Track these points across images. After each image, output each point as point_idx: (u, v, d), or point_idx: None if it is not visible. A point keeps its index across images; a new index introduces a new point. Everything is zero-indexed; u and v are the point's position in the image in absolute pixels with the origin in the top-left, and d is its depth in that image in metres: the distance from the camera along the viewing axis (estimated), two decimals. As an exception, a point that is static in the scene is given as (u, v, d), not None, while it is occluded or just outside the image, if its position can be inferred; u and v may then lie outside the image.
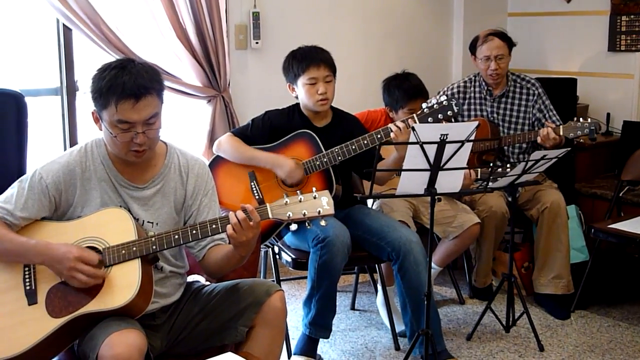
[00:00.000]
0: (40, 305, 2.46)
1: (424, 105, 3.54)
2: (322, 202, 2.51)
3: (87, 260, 2.46)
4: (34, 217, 2.58)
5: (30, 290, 2.49)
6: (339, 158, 3.54)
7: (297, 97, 3.71)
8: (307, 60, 3.60)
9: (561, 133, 3.97)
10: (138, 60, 2.64)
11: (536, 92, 4.45)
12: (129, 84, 2.47)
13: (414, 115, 3.53)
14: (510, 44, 4.41)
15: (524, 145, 4.46)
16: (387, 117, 4.16)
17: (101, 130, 2.61)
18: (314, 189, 2.56)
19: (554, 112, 4.41)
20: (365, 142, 3.53)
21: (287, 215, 2.51)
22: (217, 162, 3.72)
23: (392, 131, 3.47)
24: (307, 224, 2.54)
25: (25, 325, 2.44)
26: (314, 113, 3.69)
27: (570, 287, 4.31)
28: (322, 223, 2.56)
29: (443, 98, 3.51)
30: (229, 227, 2.49)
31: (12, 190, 2.59)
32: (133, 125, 2.50)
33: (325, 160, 3.54)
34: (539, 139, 4.01)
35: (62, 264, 2.44)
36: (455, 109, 3.49)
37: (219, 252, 2.69)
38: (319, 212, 2.50)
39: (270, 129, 3.67)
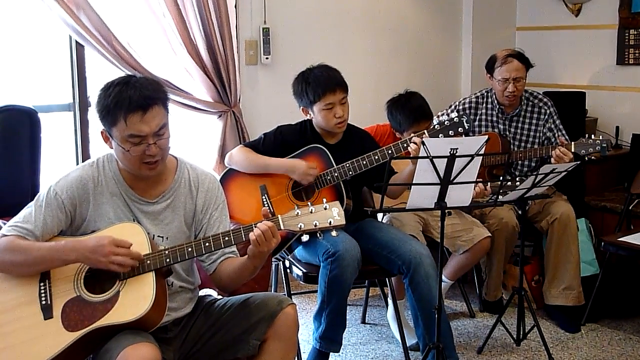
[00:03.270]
0: (56, 320, 2.48)
1: (435, 121, 3.54)
2: (333, 213, 2.53)
3: (121, 243, 2.49)
4: (53, 233, 2.61)
5: (46, 305, 2.51)
6: (350, 173, 3.56)
7: (309, 119, 3.72)
8: (322, 86, 3.58)
9: (572, 150, 3.97)
10: (139, 75, 2.67)
11: (548, 111, 4.45)
12: (134, 97, 2.51)
13: (425, 131, 3.54)
14: (528, 65, 4.39)
15: (533, 164, 4.46)
16: (395, 133, 4.17)
17: (112, 148, 2.64)
18: (324, 200, 2.59)
19: (564, 132, 4.40)
20: (377, 157, 3.55)
21: (299, 226, 2.53)
22: (228, 176, 3.75)
23: (411, 148, 3.46)
24: (318, 235, 2.56)
25: (42, 340, 2.46)
26: (327, 131, 3.70)
27: (581, 299, 4.31)
28: (334, 233, 2.57)
29: (454, 115, 3.51)
30: (251, 235, 2.51)
31: (30, 209, 2.62)
32: (144, 137, 2.53)
33: (336, 175, 3.56)
34: (552, 160, 3.98)
35: (97, 252, 2.46)
36: (466, 125, 3.49)
37: (230, 264, 2.71)
38: (330, 222, 2.52)
39: (282, 144, 3.69)
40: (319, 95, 3.58)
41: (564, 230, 4.25)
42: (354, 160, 3.55)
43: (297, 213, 2.55)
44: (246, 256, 2.61)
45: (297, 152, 3.67)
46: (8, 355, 2.46)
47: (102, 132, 2.64)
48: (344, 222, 2.54)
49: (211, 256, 2.73)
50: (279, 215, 2.56)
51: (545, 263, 4.38)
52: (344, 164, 3.56)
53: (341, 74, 3.68)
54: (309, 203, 2.58)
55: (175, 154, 2.78)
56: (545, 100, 4.49)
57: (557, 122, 4.44)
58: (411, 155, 3.46)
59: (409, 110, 3.99)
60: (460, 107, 4.57)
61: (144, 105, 2.51)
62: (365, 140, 3.80)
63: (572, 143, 3.99)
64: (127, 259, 2.47)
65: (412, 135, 3.58)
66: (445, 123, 3.51)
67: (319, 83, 3.60)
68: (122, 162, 2.64)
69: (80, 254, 2.50)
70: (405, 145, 3.53)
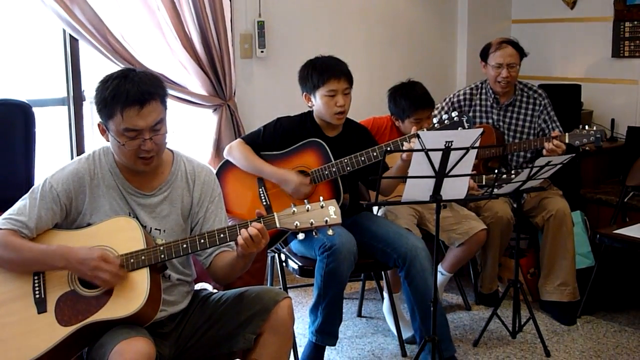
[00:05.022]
0: (50, 314, 2.49)
1: (435, 119, 3.54)
2: (330, 212, 2.53)
3: (109, 260, 2.49)
4: (47, 226, 2.61)
5: (40, 299, 2.52)
6: (348, 168, 3.55)
7: (310, 107, 3.72)
8: (328, 72, 3.60)
9: (567, 141, 3.98)
10: (139, 68, 2.67)
11: (542, 102, 4.46)
12: (132, 91, 2.51)
13: (425, 129, 3.54)
14: (522, 53, 4.41)
15: (528, 155, 4.47)
16: (393, 125, 4.17)
17: (108, 141, 2.64)
18: (321, 198, 2.58)
19: (558, 123, 4.41)
20: (375, 154, 3.54)
21: (295, 224, 2.52)
22: (226, 168, 3.74)
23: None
24: (314, 233, 2.56)
25: (35, 334, 2.46)
26: (327, 123, 3.70)
27: (576, 295, 4.31)
28: (330, 232, 2.57)
29: (454, 114, 3.50)
30: (239, 239, 2.51)
31: (24, 201, 2.61)
32: (140, 132, 2.53)
33: (334, 170, 3.56)
34: (544, 152, 3.99)
35: (85, 264, 2.47)
36: (467, 125, 3.48)
37: (223, 259, 2.71)
38: (327, 221, 2.52)
39: (282, 136, 3.68)
40: (323, 81, 3.59)
41: (559, 226, 4.25)
42: (352, 156, 3.55)
43: (294, 211, 2.54)
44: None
45: (296, 145, 3.66)
46: (0, 349, 2.46)
47: (99, 125, 2.64)
48: (340, 221, 2.54)
49: (206, 250, 2.72)
50: (274, 213, 2.56)
51: (541, 259, 4.38)
52: (342, 159, 3.55)
53: (348, 67, 3.69)
54: (305, 201, 2.57)
55: (171, 147, 2.77)
56: (539, 91, 4.50)
57: (552, 113, 4.45)
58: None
59: (414, 97, 4.02)
60: (455, 100, 4.57)
61: (141, 99, 2.51)
62: (364, 136, 3.80)
63: (566, 134, 3.99)
64: (110, 277, 2.47)
65: (417, 132, 3.57)
66: (446, 122, 3.51)
67: (325, 69, 3.61)
68: (117, 155, 2.64)
69: (69, 262, 2.50)
70: (404, 142, 3.53)
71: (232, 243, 2.67)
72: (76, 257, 2.49)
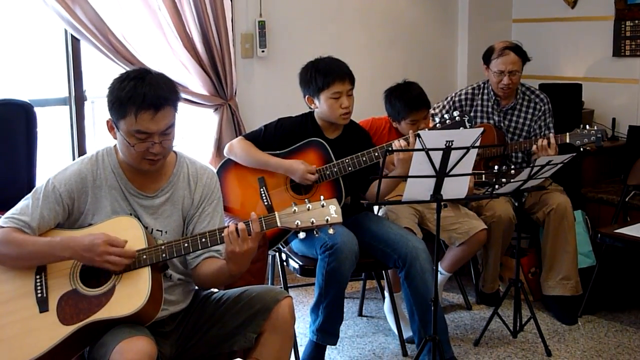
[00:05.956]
0: (52, 313, 2.49)
1: (436, 119, 3.54)
2: (330, 211, 2.53)
3: (115, 242, 2.49)
4: (49, 226, 2.61)
5: (42, 298, 2.52)
6: (349, 169, 3.55)
7: (310, 108, 3.72)
8: (332, 74, 3.58)
9: (567, 140, 3.97)
10: (154, 71, 2.66)
11: (543, 108, 4.45)
12: (149, 95, 2.50)
13: (426, 129, 3.54)
14: (524, 59, 4.39)
15: (526, 157, 4.47)
16: (391, 126, 4.16)
17: (115, 138, 2.64)
18: (321, 197, 2.58)
19: (552, 131, 4.36)
20: (376, 154, 3.54)
21: (296, 223, 2.52)
22: (226, 167, 3.74)
23: (394, 144, 3.49)
24: (315, 232, 2.56)
25: (37, 333, 2.46)
26: (328, 124, 3.70)
27: (579, 288, 4.30)
28: (330, 231, 2.57)
29: (456, 113, 3.50)
30: (225, 232, 2.51)
31: (27, 201, 2.62)
32: (150, 135, 2.53)
33: (335, 170, 3.56)
34: (533, 149, 4.00)
35: (92, 251, 2.47)
36: (468, 125, 3.48)
37: (211, 264, 2.69)
38: (327, 220, 2.52)
39: (282, 136, 3.68)
40: (327, 83, 3.58)
41: (560, 220, 4.24)
42: (354, 156, 3.54)
43: (294, 210, 2.54)
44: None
45: (297, 145, 3.66)
46: (2, 348, 2.46)
47: (107, 121, 2.64)
48: (341, 220, 2.54)
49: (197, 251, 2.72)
50: (275, 212, 2.55)
51: (542, 254, 4.38)
52: (344, 159, 3.55)
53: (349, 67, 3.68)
54: (306, 200, 2.57)
55: (174, 148, 2.77)
56: (542, 96, 4.49)
57: (549, 120, 4.45)
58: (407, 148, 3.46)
59: (408, 98, 4.00)
60: (457, 99, 4.57)
61: (157, 104, 2.51)
62: (365, 139, 3.79)
63: (567, 134, 4.00)
64: (120, 258, 2.48)
65: (416, 132, 3.58)
66: (447, 122, 3.51)
67: (329, 71, 3.60)
68: (123, 154, 2.64)
69: (75, 251, 2.50)
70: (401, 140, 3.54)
71: (222, 248, 2.66)
72: (81, 245, 2.49)
